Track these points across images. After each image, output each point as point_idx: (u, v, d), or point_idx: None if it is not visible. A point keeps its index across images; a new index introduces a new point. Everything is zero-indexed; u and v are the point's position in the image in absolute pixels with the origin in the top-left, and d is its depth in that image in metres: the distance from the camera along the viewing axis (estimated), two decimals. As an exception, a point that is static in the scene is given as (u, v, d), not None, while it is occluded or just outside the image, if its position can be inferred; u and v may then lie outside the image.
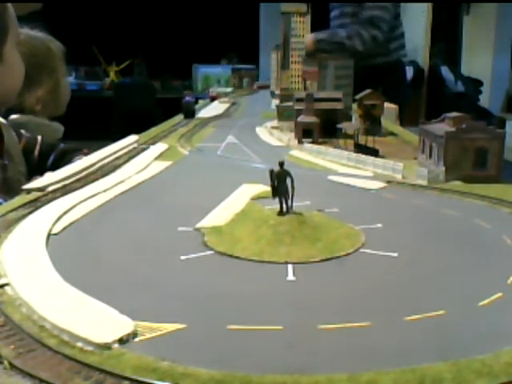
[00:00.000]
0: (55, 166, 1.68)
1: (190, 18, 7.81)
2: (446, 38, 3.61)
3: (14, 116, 2.05)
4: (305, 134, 1.99)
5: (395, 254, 0.89)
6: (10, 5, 1.61)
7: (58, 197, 1.20)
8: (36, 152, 1.93)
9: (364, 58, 3.96)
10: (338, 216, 1.06)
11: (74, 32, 6.55)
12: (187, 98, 2.89)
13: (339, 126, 1.97)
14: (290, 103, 2.25)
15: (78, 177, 1.37)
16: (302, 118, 2.01)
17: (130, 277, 0.81)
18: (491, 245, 0.95)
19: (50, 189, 1.25)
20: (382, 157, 1.65)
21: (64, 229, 1.01)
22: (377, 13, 4.03)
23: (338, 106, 2.09)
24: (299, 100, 2.09)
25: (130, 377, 0.54)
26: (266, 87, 4.45)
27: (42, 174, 1.44)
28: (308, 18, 3.00)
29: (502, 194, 1.22)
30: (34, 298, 0.69)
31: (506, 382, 0.53)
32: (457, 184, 1.34)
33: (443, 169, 1.36)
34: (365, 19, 4.02)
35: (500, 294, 0.73)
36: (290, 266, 0.83)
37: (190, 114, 2.83)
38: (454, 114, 1.45)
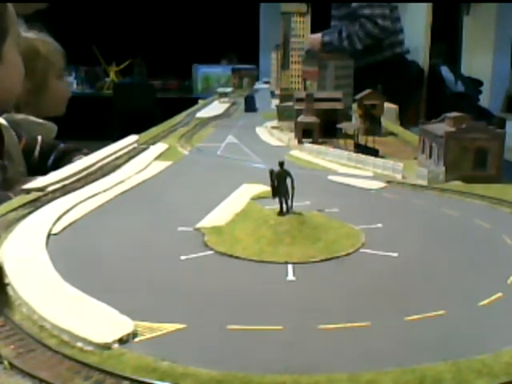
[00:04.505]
0: (55, 166, 1.68)
1: (190, 18, 7.81)
2: (446, 38, 3.61)
3: (4, 115, 2.04)
4: (305, 134, 1.99)
5: (395, 254, 0.90)
6: (10, 5, 1.61)
7: (58, 197, 1.20)
8: (36, 152, 1.93)
9: (363, 56, 4.06)
10: (338, 216, 1.06)
11: (74, 32, 6.55)
12: None
13: (339, 126, 1.97)
14: (290, 103, 2.25)
15: (78, 177, 1.37)
16: (301, 118, 2.01)
17: (130, 277, 0.81)
18: (491, 245, 0.95)
19: (50, 189, 1.25)
20: (382, 157, 1.65)
21: (64, 229, 1.01)
22: (372, 10, 4.16)
23: (338, 106, 2.09)
24: (299, 100, 2.08)
25: (130, 377, 0.54)
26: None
27: (42, 174, 1.43)
28: (308, 18, 3.00)
29: (502, 194, 1.22)
30: (34, 298, 0.69)
31: (506, 382, 0.53)
32: (457, 184, 1.34)
33: (443, 169, 1.36)
34: (361, 16, 4.17)
35: (500, 294, 0.73)
36: (289, 266, 0.83)
37: None
38: (454, 114, 1.45)
